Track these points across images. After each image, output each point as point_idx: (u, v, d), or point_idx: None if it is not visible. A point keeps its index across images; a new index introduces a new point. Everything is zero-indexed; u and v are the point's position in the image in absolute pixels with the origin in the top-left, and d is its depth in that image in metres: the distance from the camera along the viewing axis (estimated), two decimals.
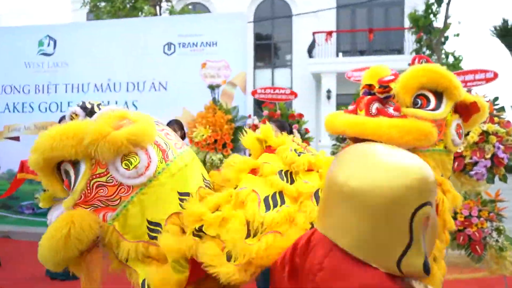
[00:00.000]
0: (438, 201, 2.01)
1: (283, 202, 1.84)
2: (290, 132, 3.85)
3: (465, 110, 2.40)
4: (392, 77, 2.44)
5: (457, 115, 2.40)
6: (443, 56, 7.80)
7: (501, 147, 3.80)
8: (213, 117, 4.38)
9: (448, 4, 7.56)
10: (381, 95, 2.34)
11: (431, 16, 7.80)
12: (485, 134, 3.79)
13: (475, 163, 3.80)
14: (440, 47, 7.91)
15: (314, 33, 13.87)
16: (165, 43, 5.44)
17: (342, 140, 4.33)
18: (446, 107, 2.33)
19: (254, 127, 4.50)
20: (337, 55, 14.76)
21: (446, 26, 7.75)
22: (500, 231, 3.77)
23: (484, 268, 3.89)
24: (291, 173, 1.96)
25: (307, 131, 4.43)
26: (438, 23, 7.97)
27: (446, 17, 7.70)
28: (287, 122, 3.84)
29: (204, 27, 5.34)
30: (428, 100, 2.36)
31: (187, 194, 1.81)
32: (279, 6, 15.58)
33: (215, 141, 4.33)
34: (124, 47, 5.53)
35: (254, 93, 4.54)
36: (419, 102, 2.34)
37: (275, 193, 1.85)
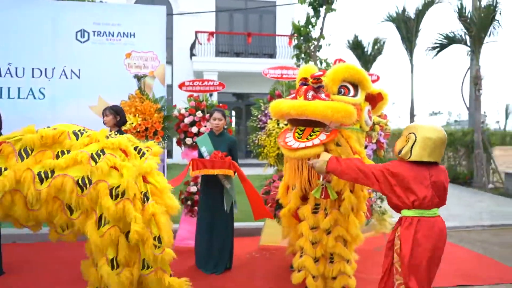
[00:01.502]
0: None
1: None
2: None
3: (372, 99, 3.30)
4: (321, 73, 3.18)
5: (367, 103, 3.27)
6: (318, 62, 9.09)
7: (382, 134, 4.93)
8: (142, 106, 4.53)
9: (324, 17, 8.87)
10: (314, 85, 3.07)
11: (310, 26, 9.01)
12: (372, 124, 4.84)
13: (365, 147, 4.83)
14: (316, 54, 9.19)
15: (197, 32, 14.28)
16: (78, 29, 5.28)
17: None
18: (361, 95, 3.20)
19: (182, 117, 4.80)
20: (217, 55, 15.44)
21: (321, 36, 9.07)
22: (382, 199, 4.88)
23: (371, 229, 4.98)
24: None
25: (230, 120, 4.91)
26: (315, 33, 9.24)
27: (322, 28, 9.02)
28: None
29: (121, 17, 5.35)
30: (349, 90, 3.19)
31: None
32: (160, 3, 15.56)
33: (146, 129, 4.50)
34: (29, 30, 5.17)
35: (181, 85, 4.82)
36: (342, 91, 3.16)
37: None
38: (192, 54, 14.85)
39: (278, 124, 4.64)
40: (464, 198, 8.33)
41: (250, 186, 4.00)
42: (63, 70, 5.25)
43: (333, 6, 8.67)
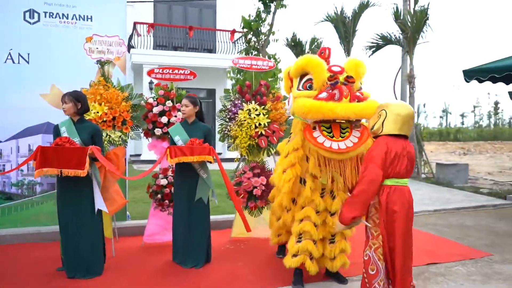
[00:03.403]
0: None
1: None
2: (201, 107, 4.17)
3: None
4: (340, 69, 3.25)
5: None
6: (266, 57, 9.19)
7: None
8: (107, 93, 4.23)
9: (274, 14, 8.98)
10: (351, 84, 3.13)
11: (260, 22, 9.07)
12: None
13: None
14: (264, 49, 9.28)
15: (135, 23, 13.65)
16: (26, 9, 4.78)
17: None
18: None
19: (150, 106, 4.56)
20: (155, 48, 14.91)
21: (271, 31, 9.17)
22: None
23: None
24: None
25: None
26: (264, 28, 9.32)
27: (272, 24, 9.12)
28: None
29: None
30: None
31: None
32: None
33: (113, 118, 4.21)
34: None
35: (150, 73, 4.57)
36: (360, 86, 3.33)
37: None
38: (130, 46, 14.18)
39: (249, 114, 4.61)
40: None
41: (226, 176, 3.94)
42: (10, 54, 4.73)
43: (283, 2, 8.79)
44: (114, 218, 4.50)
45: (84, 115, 3.99)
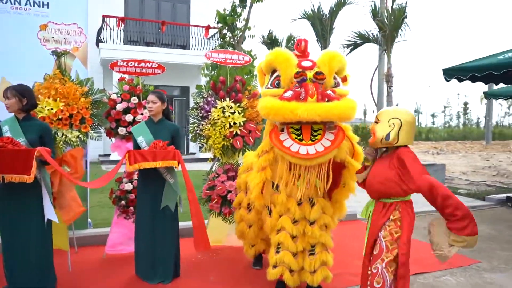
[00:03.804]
0: None
1: None
2: (168, 105, 3.77)
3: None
4: (311, 63, 2.95)
5: None
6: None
7: None
8: (64, 88, 3.76)
9: (250, 8, 8.62)
10: (320, 82, 2.85)
11: (235, 16, 8.69)
12: None
13: None
14: (240, 45, 8.91)
15: (104, 17, 13.01)
16: None
17: None
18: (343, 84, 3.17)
19: (113, 103, 4.12)
20: (126, 43, 14.29)
21: (247, 27, 8.81)
22: None
23: None
24: None
25: (171, 109, 4.36)
26: (239, 24, 8.95)
27: (248, 19, 8.76)
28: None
29: None
30: (336, 79, 3.04)
31: None
32: None
33: (70, 116, 3.75)
34: None
35: (113, 66, 4.11)
36: (335, 82, 3.00)
37: None
38: (99, 41, 13.51)
39: (223, 112, 4.25)
40: None
41: (190, 187, 3.49)
42: None
43: None
44: (73, 227, 4.05)
45: (37, 112, 3.56)
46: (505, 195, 7.36)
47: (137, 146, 3.52)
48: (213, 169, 4.60)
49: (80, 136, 3.79)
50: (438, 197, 2.33)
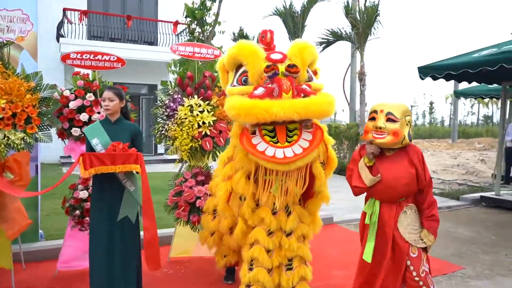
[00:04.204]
0: None
1: None
2: (127, 102, 3.37)
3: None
4: (281, 56, 2.66)
5: None
6: None
7: None
8: (6, 83, 3.28)
9: (220, 2, 8.23)
10: (294, 76, 2.56)
11: (204, 10, 8.29)
12: None
13: None
14: (210, 41, 8.52)
15: (65, 10, 12.26)
16: None
17: None
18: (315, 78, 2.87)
19: (65, 100, 3.66)
20: (89, 38, 13.57)
21: (217, 22, 8.43)
22: None
23: None
24: None
25: (132, 106, 3.95)
26: (209, 18, 8.56)
27: (217, 14, 8.37)
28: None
29: None
30: (309, 72, 2.75)
31: None
32: None
33: (14, 115, 3.27)
34: None
35: (65, 58, 3.64)
36: (308, 76, 2.72)
37: None
38: (59, 35, 12.75)
39: (191, 111, 3.87)
40: None
41: (147, 197, 3.08)
42: None
43: None
44: (19, 240, 3.57)
45: None
46: (479, 194, 7.33)
47: (91, 150, 3.08)
48: (181, 172, 4.21)
49: (25, 138, 3.31)
50: (430, 196, 2.50)
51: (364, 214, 2.64)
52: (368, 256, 2.50)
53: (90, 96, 3.67)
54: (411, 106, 65.44)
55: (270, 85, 2.39)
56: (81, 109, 3.66)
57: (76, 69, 4.01)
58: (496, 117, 56.33)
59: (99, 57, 3.70)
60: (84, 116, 3.64)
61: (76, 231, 3.69)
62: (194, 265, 3.97)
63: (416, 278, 2.43)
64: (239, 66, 2.63)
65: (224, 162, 2.78)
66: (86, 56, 3.64)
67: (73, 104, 3.62)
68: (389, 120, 2.41)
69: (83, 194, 3.64)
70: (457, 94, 9.99)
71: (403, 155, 2.48)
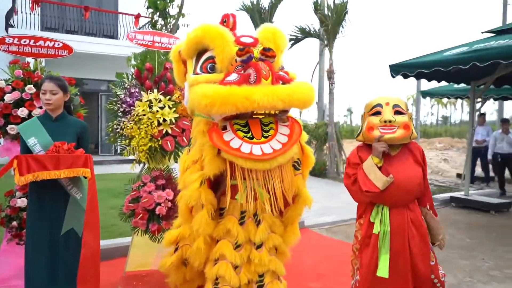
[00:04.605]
0: None
1: None
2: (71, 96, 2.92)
3: None
4: (252, 40, 2.33)
5: None
6: None
7: None
8: None
9: None
10: (271, 60, 2.22)
11: (167, 1, 7.81)
12: None
13: None
14: (173, 34, 8.04)
15: None
16: None
17: None
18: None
19: (1, 93, 3.13)
20: (43, 30, 12.68)
21: (181, 14, 7.96)
22: None
23: None
24: None
25: (81, 100, 3.47)
26: (172, 11, 8.09)
27: (181, 6, 7.91)
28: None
29: None
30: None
31: None
32: None
33: None
34: None
35: (0, 42, 3.11)
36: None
37: None
38: (8, 25, 11.81)
39: (150, 107, 3.44)
40: (327, 190, 8.37)
41: (93, 206, 2.63)
42: None
43: None
44: None
45: None
46: (448, 194, 7.28)
47: (27, 152, 2.60)
48: (139, 175, 3.77)
49: None
50: (429, 191, 2.41)
51: (368, 224, 2.33)
52: (384, 272, 2.20)
53: (30, 88, 3.16)
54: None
55: (244, 71, 2.05)
56: (19, 103, 3.15)
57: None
58: (454, 118, 58.73)
59: (41, 42, 3.19)
60: (22, 111, 3.12)
61: (13, 245, 3.17)
62: (153, 279, 3.56)
63: (438, 284, 2.30)
64: (202, 52, 2.26)
65: (186, 168, 2.37)
66: (25, 41, 3.12)
67: (9, 97, 3.10)
68: (397, 112, 2.22)
69: (22, 202, 3.12)
70: (424, 94, 10.01)
71: (407, 153, 2.30)
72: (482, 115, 9.27)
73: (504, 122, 8.67)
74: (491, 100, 9.23)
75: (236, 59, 2.10)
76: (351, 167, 2.35)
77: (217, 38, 2.13)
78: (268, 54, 2.06)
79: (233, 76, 2.03)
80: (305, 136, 2.46)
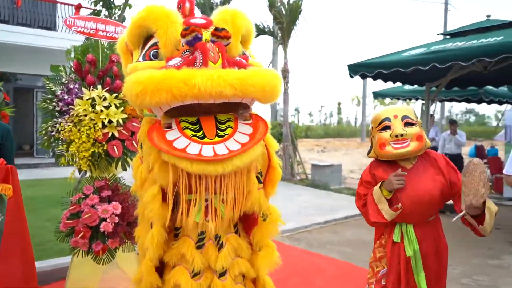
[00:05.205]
0: None
1: None
2: None
3: None
4: (205, 21, 1.93)
5: None
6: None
7: None
8: None
9: None
10: (225, 42, 1.85)
11: None
12: None
13: None
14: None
15: None
16: None
17: None
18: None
19: None
20: None
21: (127, 4, 7.34)
22: None
23: None
24: None
25: (6, 97, 2.88)
26: (118, 1, 7.47)
27: None
28: None
29: None
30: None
31: None
32: None
33: None
34: None
35: None
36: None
37: None
38: None
39: (93, 106, 2.94)
40: (282, 192, 8.06)
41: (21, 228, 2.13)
42: None
43: None
44: None
45: None
46: None
47: None
48: (79, 186, 3.23)
49: None
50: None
51: (392, 244, 2.18)
52: None
53: None
54: (321, 106, 68.77)
55: (189, 56, 1.66)
56: None
57: None
58: None
59: None
60: None
61: None
62: None
63: None
64: (147, 39, 1.83)
65: (144, 180, 1.92)
66: None
67: None
68: (407, 124, 2.10)
69: None
70: (376, 95, 10.09)
71: (424, 163, 2.18)
72: (431, 116, 9.49)
73: (452, 123, 8.91)
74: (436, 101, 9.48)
75: (182, 43, 1.70)
76: (363, 186, 2.23)
77: (160, 19, 1.72)
78: (220, 34, 1.65)
79: (176, 60, 1.63)
80: (275, 145, 2.07)
